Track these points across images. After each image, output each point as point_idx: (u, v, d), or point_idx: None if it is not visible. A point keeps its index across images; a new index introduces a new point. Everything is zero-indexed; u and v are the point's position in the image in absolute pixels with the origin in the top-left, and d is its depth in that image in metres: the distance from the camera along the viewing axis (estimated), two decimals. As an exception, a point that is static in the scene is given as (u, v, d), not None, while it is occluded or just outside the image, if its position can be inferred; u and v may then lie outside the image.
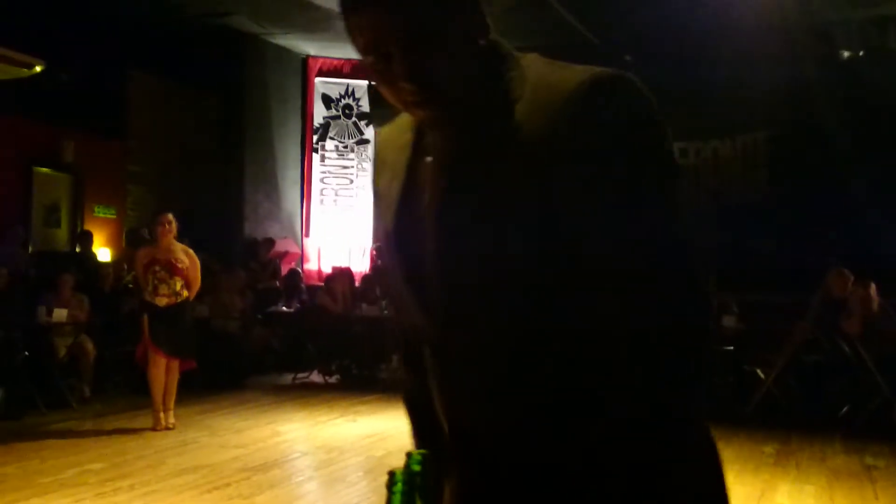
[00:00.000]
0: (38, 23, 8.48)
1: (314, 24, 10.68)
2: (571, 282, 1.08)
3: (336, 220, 12.51)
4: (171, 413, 6.68)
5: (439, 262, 1.16)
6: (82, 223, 10.05)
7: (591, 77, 1.08)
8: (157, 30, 9.85)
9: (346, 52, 11.96)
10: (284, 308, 10.12)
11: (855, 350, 7.15)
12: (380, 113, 11.39)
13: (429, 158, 1.19)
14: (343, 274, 10.31)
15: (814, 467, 5.66)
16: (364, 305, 9.69)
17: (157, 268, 6.56)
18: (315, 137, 12.52)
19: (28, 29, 8.27)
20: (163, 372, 6.59)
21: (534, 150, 1.07)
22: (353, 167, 12.62)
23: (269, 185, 12.01)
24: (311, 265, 12.34)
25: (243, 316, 9.48)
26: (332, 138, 12.56)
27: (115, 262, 9.61)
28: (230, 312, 9.29)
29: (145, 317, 6.58)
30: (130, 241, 9.81)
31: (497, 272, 1.11)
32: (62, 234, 10.00)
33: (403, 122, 1.27)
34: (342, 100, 12.50)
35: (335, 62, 12.40)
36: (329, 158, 12.59)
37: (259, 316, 9.86)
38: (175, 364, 6.68)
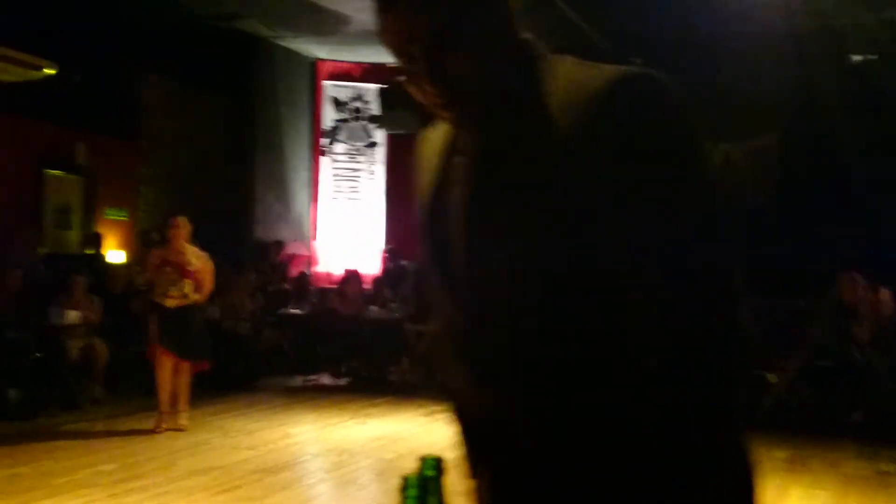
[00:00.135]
0: (50, 25, 8.53)
1: (324, 27, 10.71)
2: (594, 284, 1.08)
3: (346, 222, 12.53)
4: (184, 414, 6.70)
5: (467, 260, 1.17)
6: (94, 225, 10.10)
7: (615, 76, 1.08)
8: (168, 33, 9.90)
9: (356, 55, 11.99)
10: (294, 310, 10.15)
11: (867, 355, 7.12)
12: (389, 116, 11.41)
13: (461, 157, 1.21)
14: (354, 276, 10.33)
15: (827, 473, 5.63)
16: (374, 308, 9.71)
17: (168, 269, 6.59)
18: (324, 140, 12.55)
19: (40, 32, 8.32)
20: (169, 373, 6.61)
21: (557, 151, 1.08)
22: (362, 170, 12.64)
23: (280, 187, 12.04)
24: (320, 268, 12.36)
25: (254, 318, 9.51)
26: (341, 141, 12.59)
27: (128, 264, 9.65)
28: (241, 314, 9.32)
29: (154, 317, 6.61)
30: (144, 242, 9.85)
31: (521, 272, 1.12)
32: (74, 236, 10.05)
33: (444, 123, 1.29)
34: (351, 103, 12.53)
35: (345, 66, 12.43)
36: (338, 161, 12.62)
37: (269, 318, 9.88)
38: (186, 366, 6.70)
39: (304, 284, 10.87)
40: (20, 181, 9.29)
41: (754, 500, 1.14)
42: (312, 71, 12.43)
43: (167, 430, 6.57)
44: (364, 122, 12.55)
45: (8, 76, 8.19)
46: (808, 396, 7.52)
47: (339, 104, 12.54)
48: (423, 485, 0.99)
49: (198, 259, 6.73)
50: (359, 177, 12.63)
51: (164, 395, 6.61)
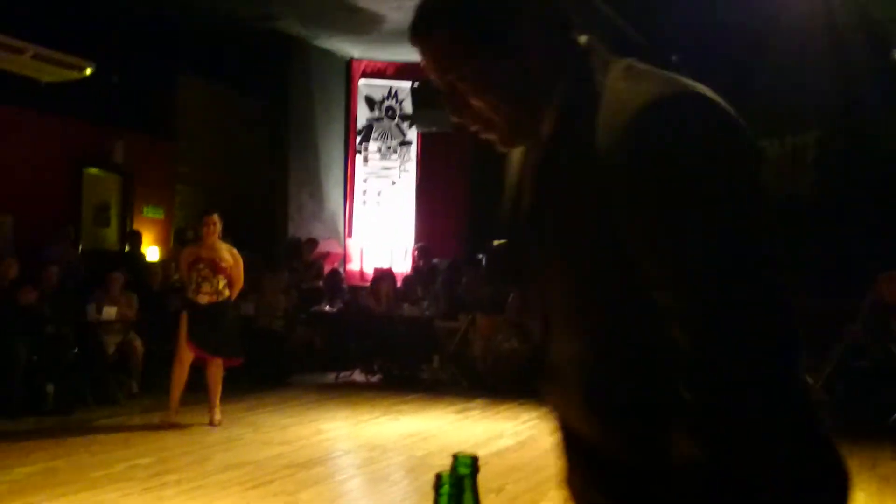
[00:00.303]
0: (89, 26, 8.65)
1: (358, 26, 10.75)
2: (635, 303, 1.07)
3: (378, 221, 12.57)
4: (217, 410, 6.76)
5: (532, 267, 1.20)
6: (131, 223, 10.23)
7: (650, 100, 1.03)
8: (205, 33, 10.00)
9: (390, 54, 12.01)
10: (327, 308, 10.20)
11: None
12: (422, 114, 11.42)
13: (525, 173, 1.23)
14: (387, 275, 10.36)
15: (864, 474, 5.54)
16: (406, 306, 9.73)
17: (202, 266, 6.64)
18: (358, 139, 12.59)
19: (79, 32, 8.45)
20: (186, 370, 6.64)
21: (598, 171, 1.05)
22: (395, 168, 12.66)
23: (313, 185, 12.11)
24: (353, 266, 12.41)
25: (287, 315, 9.57)
26: (374, 140, 12.62)
27: (164, 262, 9.77)
28: (275, 311, 9.39)
29: (184, 314, 6.67)
30: (179, 240, 9.97)
31: (572, 284, 1.13)
32: (111, 233, 10.19)
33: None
34: (385, 101, 12.55)
35: (379, 64, 12.46)
36: (372, 160, 12.66)
37: (302, 315, 9.95)
38: (218, 362, 6.75)
39: (337, 282, 10.92)
40: (60, 179, 9.44)
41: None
42: (347, 70, 12.48)
43: (170, 424, 6.56)
44: (397, 121, 12.57)
45: (49, 76, 8.32)
46: (846, 397, 7.40)
47: (372, 103, 12.58)
48: (457, 483, 0.99)
49: (230, 256, 6.78)
50: (392, 175, 12.66)
51: (176, 391, 6.64)
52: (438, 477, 0.99)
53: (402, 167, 12.65)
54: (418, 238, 12.20)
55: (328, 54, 12.06)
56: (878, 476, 5.51)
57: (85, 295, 8.04)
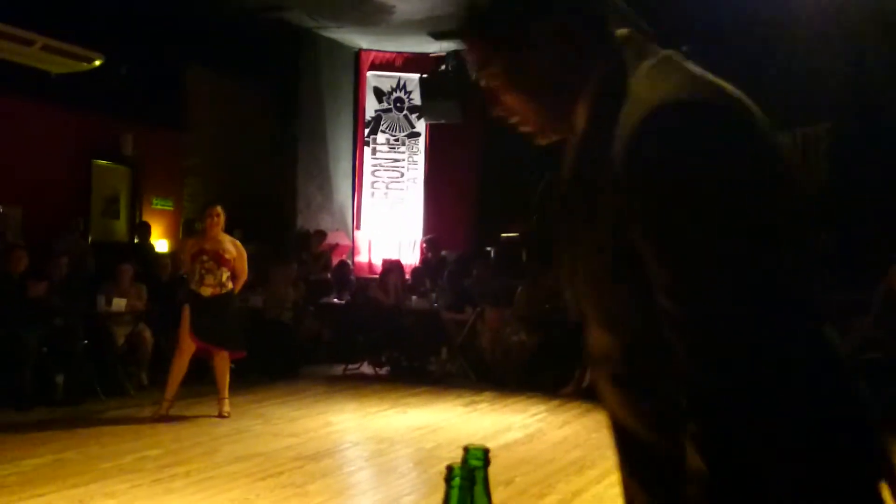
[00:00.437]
0: (98, 17, 8.65)
1: (367, 17, 10.72)
2: (648, 303, 1.06)
3: (387, 213, 12.57)
4: (226, 402, 6.77)
5: (564, 259, 1.21)
6: (140, 215, 10.25)
7: (659, 101, 1.02)
8: (214, 24, 9.99)
9: (398, 45, 11.99)
10: (335, 300, 10.20)
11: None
12: (431, 106, 11.40)
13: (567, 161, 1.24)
14: (395, 267, 10.35)
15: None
16: (414, 298, 9.72)
17: (205, 258, 6.63)
18: (367, 130, 12.58)
19: (88, 23, 8.44)
20: (186, 362, 6.63)
21: (609, 177, 1.05)
22: (403, 160, 12.65)
23: (322, 177, 12.11)
24: (361, 258, 12.42)
25: (296, 307, 9.58)
26: (383, 131, 12.61)
27: (173, 253, 9.78)
28: (283, 303, 9.40)
29: (186, 306, 6.67)
30: (188, 232, 9.98)
31: (592, 279, 1.14)
32: (121, 225, 10.21)
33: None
34: (394, 93, 12.53)
35: (387, 55, 12.44)
36: (380, 151, 12.65)
37: (311, 307, 9.95)
38: (224, 354, 6.75)
39: (345, 274, 10.93)
40: (69, 171, 9.46)
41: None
42: (356, 61, 12.46)
43: (161, 416, 6.54)
44: (406, 113, 12.55)
45: (57, 68, 8.33)
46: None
47: (381, 94, 12.56)
48: (469, 475, 0.98)
49: (234, 248, 6.76)
50: (400, 167, 12.65)
51: (174, 382, 6.63)
52: (450, 469, 0.98)
53: (411, 159, 12.63)
54: (427, 230, 12.20)
55: (337, 45, 12.05)
56: (889, 469, 5.48)
57: (94, 286, 8.06)
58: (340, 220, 12.36)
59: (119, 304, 7.83)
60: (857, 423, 1.07)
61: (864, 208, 9.04)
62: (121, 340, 7.83)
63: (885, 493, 1.10)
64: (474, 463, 0.99)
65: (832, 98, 9.29)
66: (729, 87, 1.06)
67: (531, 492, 4.75)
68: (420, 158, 12.63)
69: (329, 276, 10.87)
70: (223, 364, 6.75)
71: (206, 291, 6.61)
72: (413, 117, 12.47)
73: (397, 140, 12.64)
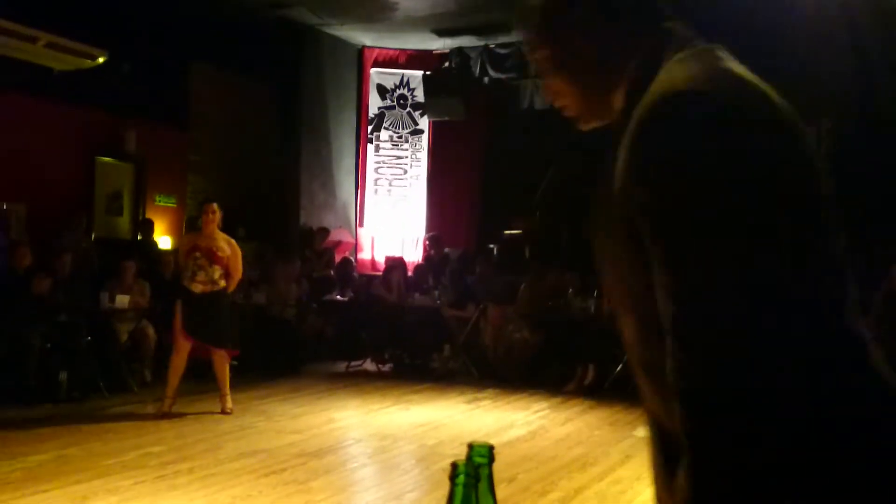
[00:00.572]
0: (101, 14, 8.65)
1: (370, 14, 10.72)
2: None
3: (389, 210, 12.57)
4: (228, 398, 6.78)
5: (596, 251, 1.22)
6: (144, 211, 10.26)
7: (665, 92, 1.02)
8: (217, 21, 9.99)
9: (402, 42, 11.98)
10: (338, 297, 10.21)
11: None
12: (434, 103, 11.39)
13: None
14: (399, 264, 10.36)
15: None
16: (417, 295, 9.73)
17: (198, 254, 6.62)
18: (370, 128, 12.58)
19: (91, 20, 8.45)
20: (183, 359, 6.63)
21: (620, 171, 1.06)
22: (406, 157, 12.65)
23: (325, 174, 12.11)
24: (364, 255, 12.42)
25: (299, 304, 9.59)
26: (386, 128, 12.60)
27: (176, 250, 9.79)
28: (286, 300, 9.40)
29: (179, 302, 6.67)
30: (191, 228, 9.98)
31: (613, 269, 1.15)
32: (124, 222, 10.22)
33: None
34: (397, 90, 12.53)
35: (391, 52, 12.43)
36: (383, 149, 12.64)
37: (314, 304, 9.96)
38: (221, 352, 6.74)
39: (349, 271, 10.93)
40: (72, 168, 9.47)
41: None
42: (359, 58, 12.46)
43: (164, 413, 6.55)
44: (409, 110, 12.55)
45: (61, 65, 8.34)
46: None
47: (384, 91, 12.55)
48: (473, 472, 0.98)
49: (227, 246, 6.73)
50: (403, 164, 12.65)
51: (174, 379, 6.63)
52: (455, 466, 0.98)
53: (414, 156, 12.63)
54: (430, 227, 12.20)
55: (340, 42, 12.04)
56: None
57: (98, 283, 8.07)
58: (343, 217, 12.36)
59: (122, 300, 7.84)
60: (867, 426, 1.00)
61: (866, 208, 9.02)
62: (124, 337, 7.84)
63: None
64: (479, 460, 0.99)
65: (833, 97, 9.28)
66: (752, 80, 1.05)
67: (533, 489, 4.76)
68: (423, 155, 12.63)
69: (332, 273, 10.87)
70: (221, 362, 6.75)
71: (197, 288, 6.60)
72: (416, 114, 12.46)
73: (400, 137, 12.63)
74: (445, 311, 9.32)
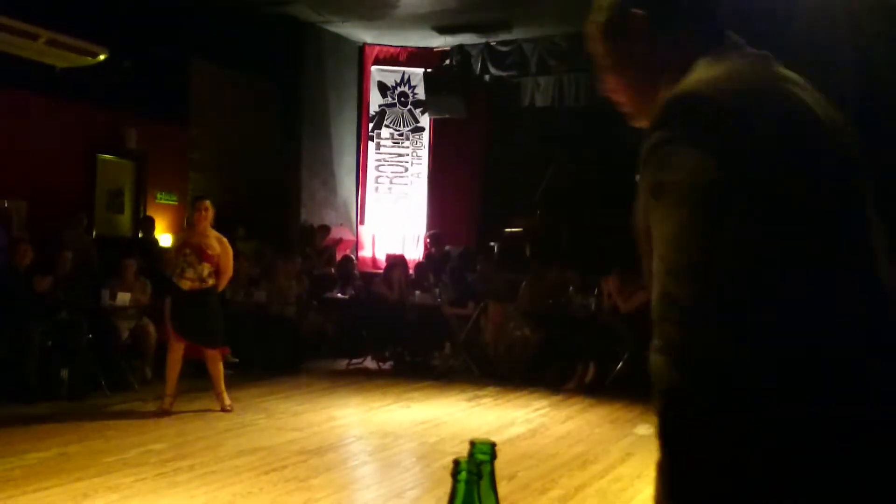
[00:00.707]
0: (102, 11, 8.65)
1: (371, 12, 10.71)
2: None
3: (390, 207, 12.57)
4: (225, 395, 6.76)
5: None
6: (145, 209, 10.26)
7: (671, 93, 1.13)
8: (218, 18, 9.99)
9: (403, 39, 11.98)
10: (339, 294, 10.21)
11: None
12: (435, 101, 11.39)
13: None
14: (400, 261, 10.36)
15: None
16: (418, 293, 9.73)
17: (188, 251, 6.60)
18: (371, 125, 12.58)
19: (92, 17, 8.45)
20: (178, 357, 6.61)
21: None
22: (407, 155, 12.65)
23: (326, 172, 12.11)
24: (365, 252, 12.42)
25: (299, 302, 9.59)
26: (387, 126, 12.60)
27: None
28: (287, 298, 9.40)
29: (168, 298, 6.66)
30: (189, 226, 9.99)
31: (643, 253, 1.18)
32: (125, 219, 10.23)
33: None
34: (398, 88, 12.52)
35: (391, 50, 12.43)
36: (384, 146, 12.64)
37: (314, 302, 9.96)
38: (212, 352, 6.71)
39: (349, 269, 10.93)
40: (73, 165, 9.48)
41: None
42: (360, 56, 12.45)
43: (164, 411, 6.54)
44: (410, 107, 12.54)
45: (62, 62, 8.34)
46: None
47: (385, 89, 12.55)
48: (475, 469, 0.98)
49: (218, 244, 6.70)
50: (404, 162, 12.65)
51: (171, 377, 6.62)
52: (457, 463, 0.98)
53: (415, 154, 12.63)
54: (430, 225, 12.20)
55: (341, 40, 12.04)
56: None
57: (99, 281, 8.07)
58: (344, 214, 12.37)
59: (123, 298, 7.84)
60: (837, 427, 1.02)
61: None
62: (125, 335, 7.84)
63: None
64: (481, 457, 0.99)
65: (834, 90, 9.26)
66: (747, 85, 1.12)
67: (534, 486, 4.76)
68: (424, 153, 12.63)
69: (333, 270, 10.87)
70: (213, 361, 6.71)
71: (186, 285, 6.58)
72: (417, 112, 12.46)
73: (401, 135, 12.63)
74: (446, 308, 9.33)
